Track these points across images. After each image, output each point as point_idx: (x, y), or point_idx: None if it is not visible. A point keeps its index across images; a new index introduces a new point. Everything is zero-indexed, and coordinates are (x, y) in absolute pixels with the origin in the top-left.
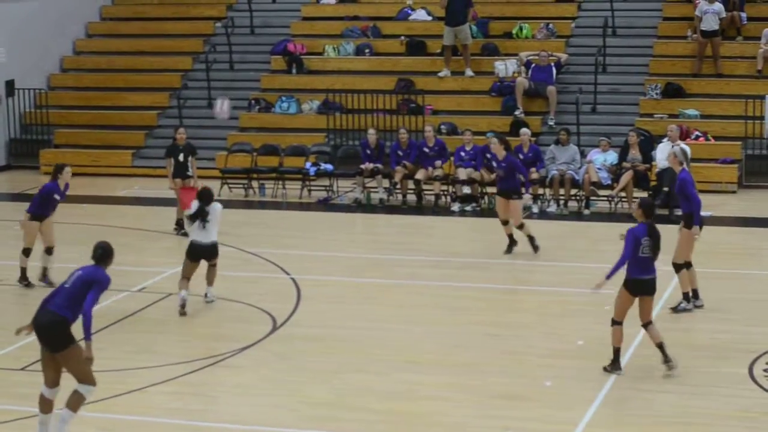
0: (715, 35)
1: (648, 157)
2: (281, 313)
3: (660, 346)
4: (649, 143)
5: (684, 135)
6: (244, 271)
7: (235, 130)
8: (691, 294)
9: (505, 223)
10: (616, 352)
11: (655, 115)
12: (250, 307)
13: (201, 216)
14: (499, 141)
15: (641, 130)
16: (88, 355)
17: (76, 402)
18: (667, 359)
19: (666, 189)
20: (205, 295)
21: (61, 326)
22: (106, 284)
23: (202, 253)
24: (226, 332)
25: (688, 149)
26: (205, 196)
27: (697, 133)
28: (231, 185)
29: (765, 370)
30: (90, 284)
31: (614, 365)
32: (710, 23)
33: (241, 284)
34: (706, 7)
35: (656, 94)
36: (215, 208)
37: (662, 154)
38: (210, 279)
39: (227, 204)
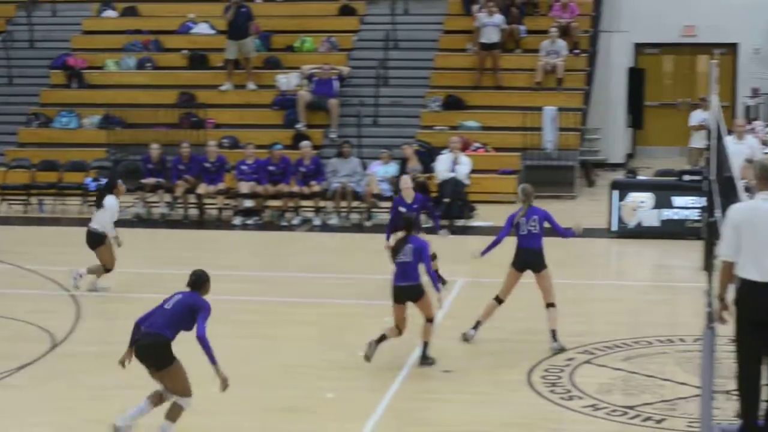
0: (494, 48)
1: (429, 169)
2: (60, 330)
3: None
4: (429, 155)
5: (464, 146)
6: (23, 288)
7: (14, 146)
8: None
9: None
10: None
11: (436, 127)
12: (29, 324)
13: None
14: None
15: (422, 141)
16: (223, 377)
17: (176, 413)
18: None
19: (447, 200)
20: None
21: (165, 346)
22: (209, 310)
23: None
24: (3, 351)
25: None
26: None
27: (477, 144)
28: (10, 201)
29: (542, 377)
30: (194, 310)
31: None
32: (490, 36)
33: (19, 301)
34: (486, 20)
35: (437, 106)
36: None
37: (443, 166)
38: None
39: (6, 221)
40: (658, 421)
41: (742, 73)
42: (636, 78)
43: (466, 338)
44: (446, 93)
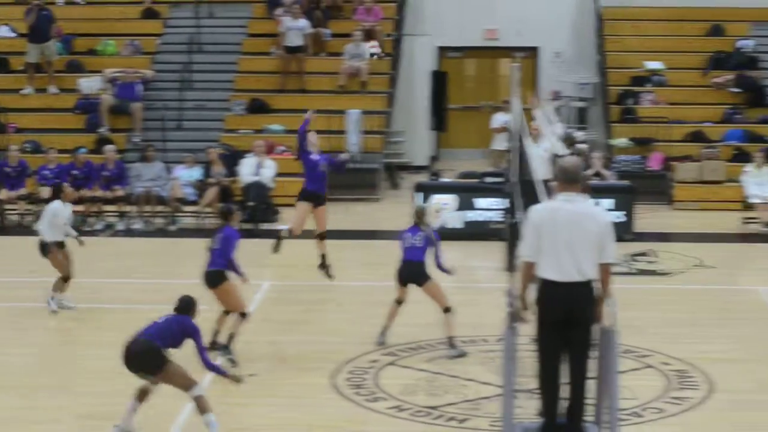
0: (299, 51)
1: (233, 172)
2: None
3: None
4: (233, 158)
5: (269, 150)
6: None
7: None
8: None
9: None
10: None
11: (240, 131)
12: None
13: None
14: None
15: (226, 145)
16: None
17: (203, 404)
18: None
19: (252, 203)
20: None
21: (153, 350)
22: (201, 334)
23: None
24: None
25: None
26: None
27: (281, 147)
28: None
29: (347, 380)
30: (185, 333)
31: None
32: (294, 40)
33: None
34: (290, 23)
35: (241, 110)
36: None
37: (247, 169)
38: None
39: None
40: (462, 421)
41: (543, 77)
42: (439, 81)
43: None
44: (251, 96)
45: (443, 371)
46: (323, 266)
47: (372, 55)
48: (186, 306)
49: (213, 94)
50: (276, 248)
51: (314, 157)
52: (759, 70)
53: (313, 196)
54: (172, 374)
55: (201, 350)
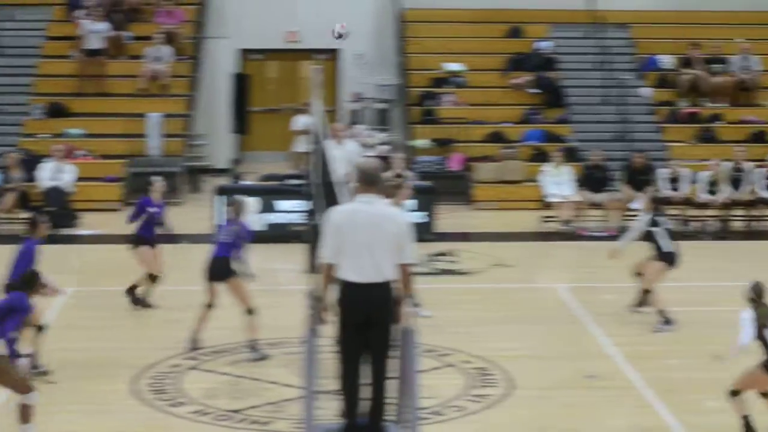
0: (99, 54)
1: (31, 177)
2: None
3: None
4: (32, 163)
5: (68, 154)
6: None
7: None
8: None
9: None
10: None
11: (39, 135)
12: None
13: None
14: None
15: (24, 150)
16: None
17: (27, 413)
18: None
19: (51, 208)
20: None
21: None
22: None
23: None
24: None
25: None
26: None
27: (81, 152)
28: None
29: (149, 385)
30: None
31: None
32: (94, 42)
33: None
34: (91, 26)
35: (40, 113)
36: None
37: (46, 174)
38: None
39: None
40: (264, 424)
41: (344, 78)
42: (240, 84)
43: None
44: (50, 100)
45: (245, 374)
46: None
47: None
48: (27, 281)
49: (11, 98)
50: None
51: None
52: (557, 71)
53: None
54: (4, 374)
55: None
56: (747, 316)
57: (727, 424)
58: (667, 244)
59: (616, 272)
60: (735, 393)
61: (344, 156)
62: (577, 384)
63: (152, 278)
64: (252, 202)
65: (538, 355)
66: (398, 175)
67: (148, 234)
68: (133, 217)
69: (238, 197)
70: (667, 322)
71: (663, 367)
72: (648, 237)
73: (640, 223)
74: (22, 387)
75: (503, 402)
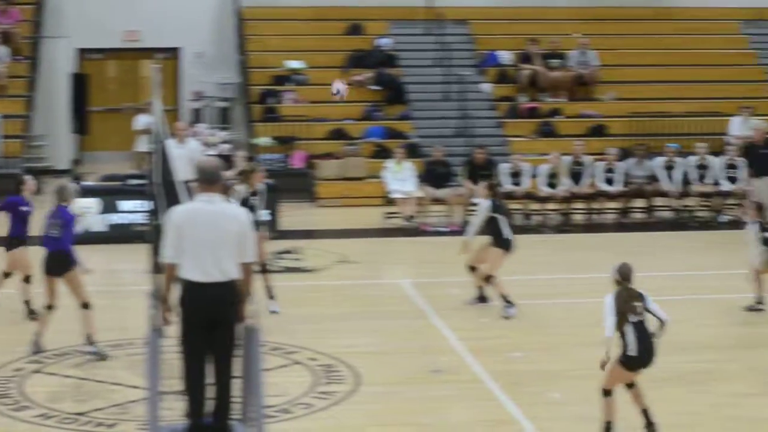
0: None
1: None
2: None
3: None
4: None
5: None
6: None
7: None
8: None
9: None
10: None
11: None
12: None
13: None
14: None
15: None
16: None
17: None
18: None
19: None
20: None
21: None
22: None
23: None
24: None
25: None
26: None
27: None
28: None
29: None
30: None
31: None
32: None
33: None
34: None
35: None
36: None
37: None
38: None
39: None
40: (110, 426)
41: (185, 77)
42: (79, 83)
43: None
44: None
45: (90, 377)
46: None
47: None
48: None
49: None
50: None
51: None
52: (397, 67)
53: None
54: None
55: None
56: (609, 301)
57: (573, 415)
58: (507, 231)
59: (460, 267)
60: (606, 392)
61: (186, 155)
62: (423, 379)
63: (27, 279)
64: (93, 203)
65: (383, 350)
66: (250, 158)
67: (21, 234)
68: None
69: (62, 182)
70: (511, 305)
71: (507, 360)
72: (489, 224)
73: (481, 211)
74: None
75: (350, 398)
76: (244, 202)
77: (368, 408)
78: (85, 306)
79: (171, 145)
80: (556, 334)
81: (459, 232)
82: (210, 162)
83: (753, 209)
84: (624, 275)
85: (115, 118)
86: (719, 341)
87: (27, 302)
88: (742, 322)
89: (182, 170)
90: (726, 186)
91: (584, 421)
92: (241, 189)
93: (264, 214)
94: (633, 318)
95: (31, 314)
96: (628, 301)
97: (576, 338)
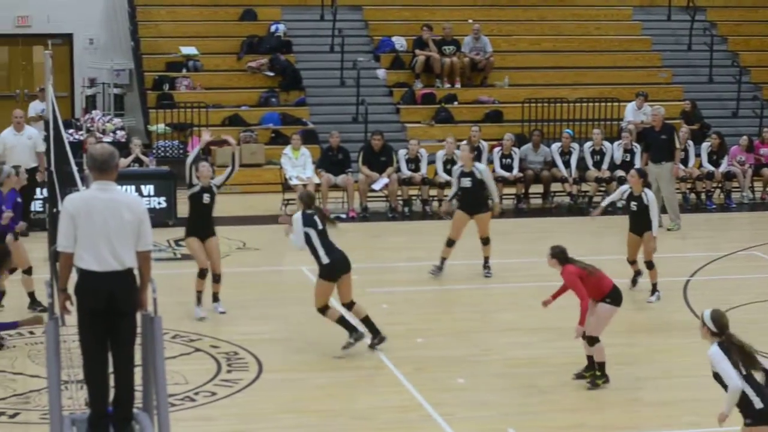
0: None
1: None
2: None
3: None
4: None
5: None
6: None
7: None
8: None
9: None
10: None
11: None
12: None
13: None
14: None
15: None
16: None
17: None
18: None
19: None
20: None
21: None
22: None
23: None
24: None
25: None
26: None
27: None
28: None
29: None
30: None
31: None
32: None
33: None
34: None
35: None
36: None
37: None
38: None
39: None
40: (12, 416)
41: (78, 64)
42: None
43: None
44: None
45: None
46: None
47: None
48: None
49: None
50: None
51: None
52: (292, 53)
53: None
54: None
55: None
56: (719, 353)
57: (475, 401)
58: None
59: (360, 253)
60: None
61: (25, 143)
62: (328, 366)
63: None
64: None
65: (286, 337)
66: (137, 160)
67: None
68: None
69: None
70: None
71: (412, 345)
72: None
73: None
74: None
75: (254, 386)
76: None
77: (273, 395)
78: None
79: (8, 133)
80: (461, 320)
81: (358, 218)
82: (104, 149)
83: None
84: (722, 326)
85: (8, 104)
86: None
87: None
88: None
89: (22, 158)
90: (621, 172)
91: (487, 407)
92: None
93: None
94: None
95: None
96: (747, 354)
97: (483, 324)
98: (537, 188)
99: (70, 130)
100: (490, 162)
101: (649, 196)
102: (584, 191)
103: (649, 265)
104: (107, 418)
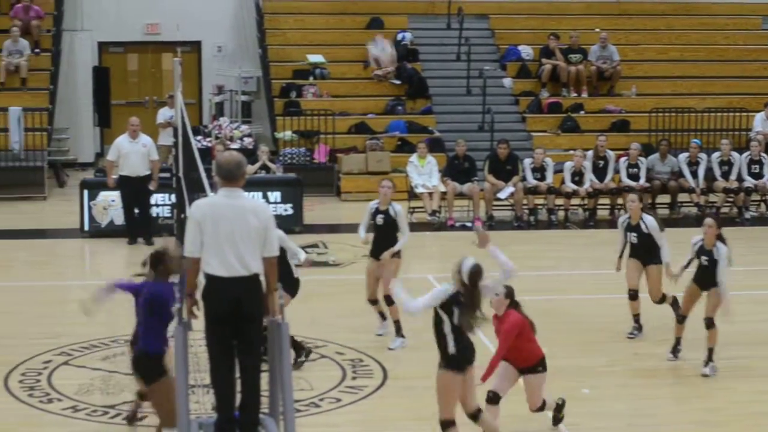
0: None
1: None
2: None
3: None
4: None
5: None
6: None
7: None
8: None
9: None
10: None
11: None
12: None
13: None
14: None
15: None
16: None
17: None
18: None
19: None
20: None
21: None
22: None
23: None
24: None
25: None
26: None
27: None
28: None
29: (20, 381)
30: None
31: None
32: None
33: None
34: None
35: None
36: None
37: None
38: None
39: None
40: (139, 419)
41: (206, 71)
42: (101, 77)
43: None
44: None
45: (118, 369)
46: None
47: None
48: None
49: None
50: None
51: None
52: (419, 62)
53: None
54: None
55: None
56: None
57: (601, 412)
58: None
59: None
60: (446, 425)
61: (140, 150)
62: None
63: None
64: (117, 197)
65: (411, 345)
66: (264, 167)
67: None
68: None
69: None
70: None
71: None
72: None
73: None
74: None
75: (378, 393)
76: None
77: (397, 402)
78: None
79: (123, 140)
80: (587, 330)
81: (483, 226)
82: (231, 157)
83: None
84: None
85: (138, 111)
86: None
87: None
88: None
89: (135, 166)
90: (750, 182)
91: (613, 418)
92: None
93: None
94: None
95: None
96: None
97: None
98: (664, 198)
99: (198, 137)
100: (617, 172)
101: (721, 251)
102: (712, 202)
103: (709, 323)
104: (234, 422)
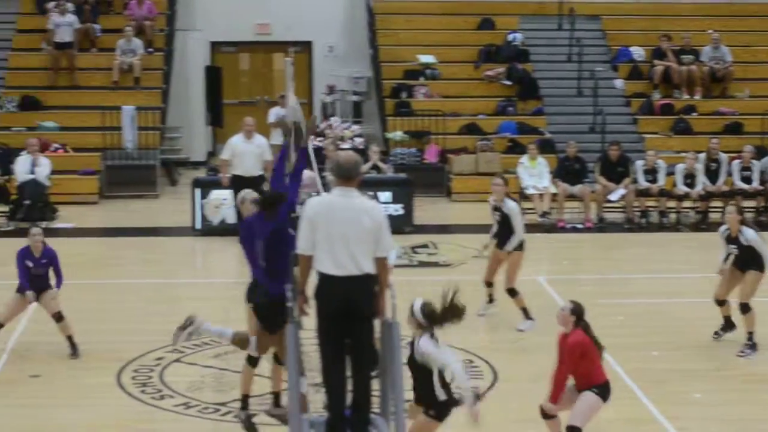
0: (69, 47)
1: (8, 171)
2: None
3: None
4: (7, 156)
5: (43, 147)
6: None
7: None
8: None
9: None
10: None
11: (13, 129)
12: None
13: None
14: None
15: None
16: None
17: None
18: None
19: (28, 202)
20: None
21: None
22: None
23: None
24: None
25: None
26: None
27: (56, 145)
28: None
29: (133, 378)
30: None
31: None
32: (64, 35)
33: None
34: (59, 19)
35: (13, 107)
36: None
37: (22, 167)
38: None
39: None
40: (250, 417)
41: (317, 71)
42: (213, 76)
43: None
44: (22, 93)
45: (229, 367)
46: None
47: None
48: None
49: None
50: None
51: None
52: (530, 62)
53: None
54: None
55: None
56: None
57: (713, 416)
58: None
59: (596, 264)
60: None
61: (254, 151)
62: None
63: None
64: (228, 195)
65: (521, 347)
66: (374, 167)
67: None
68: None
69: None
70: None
71: (647, 358)
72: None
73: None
74: None
75: (488, 394)
76: None
77: (507, 404)
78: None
79: (238, 139)
80: (701, 333)
81: (594, 228)
82: (349, 157)
83: None
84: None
85: (249, 110)
86: None
87: None
88: None
89: (249, 166)
90: None
91: (725, 423)
92: None
93: None
94: None
95: None
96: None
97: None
98: None
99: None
100: (729, 174)
101: (748, 235)
102: None
103: (745, 308)
104: (345, 421)
